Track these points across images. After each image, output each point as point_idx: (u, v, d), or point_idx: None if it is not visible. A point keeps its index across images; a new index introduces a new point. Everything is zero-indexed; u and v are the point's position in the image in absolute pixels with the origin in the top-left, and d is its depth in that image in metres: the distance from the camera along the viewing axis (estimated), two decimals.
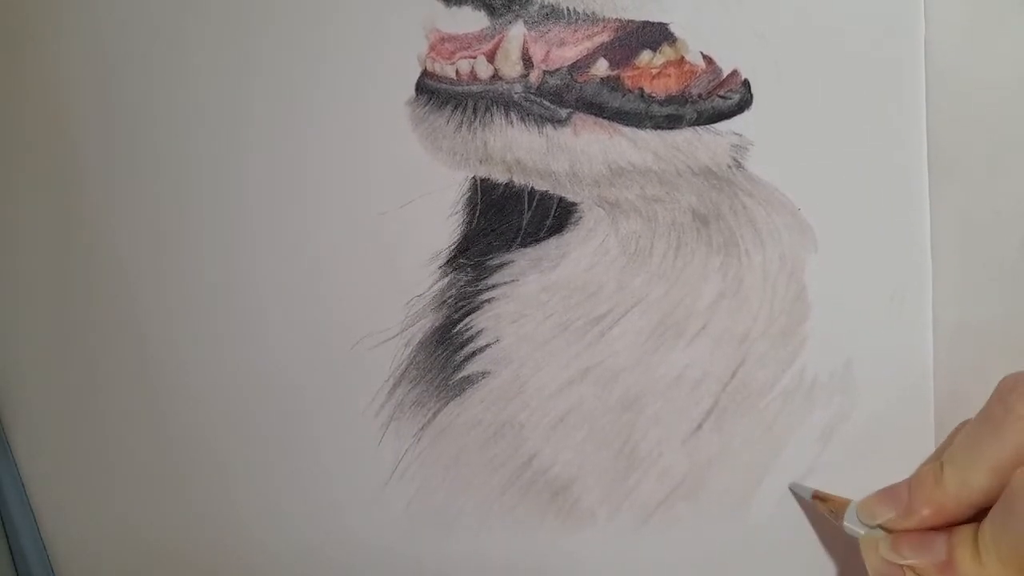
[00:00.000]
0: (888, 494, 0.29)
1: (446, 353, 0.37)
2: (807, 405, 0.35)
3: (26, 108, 0.38)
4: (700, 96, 0.34)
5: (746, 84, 0.33)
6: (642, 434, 0.36)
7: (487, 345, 0.36)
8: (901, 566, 0.27)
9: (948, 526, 0.27)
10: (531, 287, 0.36)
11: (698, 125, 0.34)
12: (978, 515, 0.25)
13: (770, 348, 0.35)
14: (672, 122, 0.34)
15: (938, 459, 0.28)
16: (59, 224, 0.39)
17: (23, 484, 0.42)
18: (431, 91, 0.35)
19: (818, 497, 0.33)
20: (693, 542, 0.36)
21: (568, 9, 0.33)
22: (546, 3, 0.34)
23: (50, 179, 0.38)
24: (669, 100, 0.34)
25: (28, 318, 0.40)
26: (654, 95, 0.34)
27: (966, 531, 0.26)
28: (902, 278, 0.34)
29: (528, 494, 0.37)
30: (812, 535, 0.35)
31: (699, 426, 0.35)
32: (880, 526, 0.28)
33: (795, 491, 0.35)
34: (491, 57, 0.34)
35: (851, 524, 0.30)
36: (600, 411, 0.36)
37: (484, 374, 0.37)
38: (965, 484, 0.26)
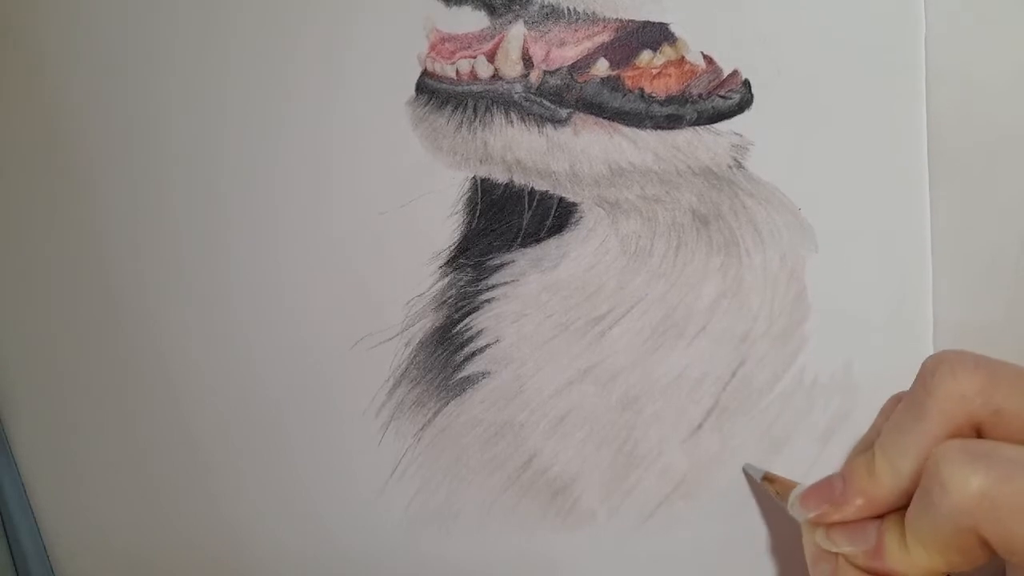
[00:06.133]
0: (822, 486, 0.29)
1: (446, 353, 0.37)
2: (807, 405, 0.35)
3: (20, 108, 0.38)
4: (700, 96, 0.34)
5: (746, 84, 0.33)
6: (642, 434, 0.36)
7: (487, 345, 0.36)
8: (835, 553, 0.27)
9: (883, 515, 0.27)
10: (531, 287, 0.36)
11: (698, 125, 0.34)
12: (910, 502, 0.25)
13: (770, 348, 0.35)
14: (672, 122, 0.34)
15: (870, 443, 0.28)
16: (60, 225, 0.39)
17: (23, 484, 0.42)
18: (431, 91, 0.35)
19: (768, 479, 0.33)
20: (693, 542, 0.37)
21: (568, 9, 0.33)
22: (546, 3, 0.34)
23: (50, 180, 0.38)
24: (669, 100, 0.34)
25: (28, 319, 0.40)
26: (654, 95, 0.34)
27: (895, 517, 0.26)
28: (902, 278, 0.34)
29: (528, 494, 0.37)
30: None
31: (699, 426, 0.35)
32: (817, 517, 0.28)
33: (747, 472, 0.35)
34: (491, 57, 0.34)
35: (794, 509, 0.30)
36: (600, 411, 0.36)
37: (484, 374, 0.37)
38: (895, 472, 0.26)
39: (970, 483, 0.21)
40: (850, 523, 0.27)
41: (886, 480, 0.26)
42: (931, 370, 0.25)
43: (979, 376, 0.24)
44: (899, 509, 0.26)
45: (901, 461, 0.25)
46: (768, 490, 0.34)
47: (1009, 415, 0.23)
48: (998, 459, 0.22)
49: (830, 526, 0.28)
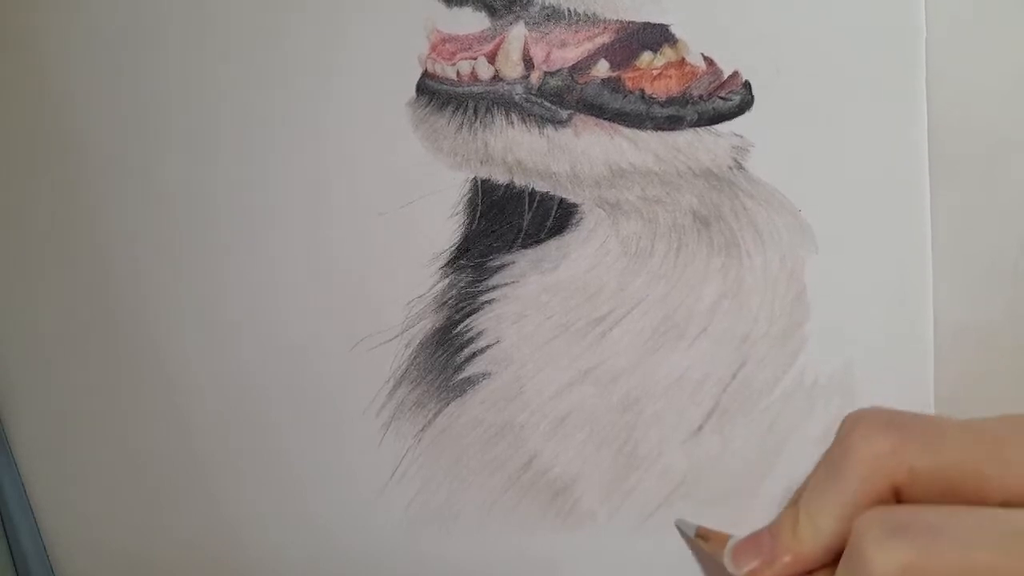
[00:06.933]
0: (751, 541, 0.30)
1: (447, 354, 0.37)
2: (807, 406, 0.35)
3: (27, 107, 0.38)
4: (701, 97, 0.34)
5: (747, 85, 0.33)
6: (642, 435, 0.36)
7: (488, 346, 0.36)
8: None
9: (813, 570, 0.27)
10: (532, 288, 0.36)
11: (699, 126, 0.34)
12: (839, 557, 0.26)
13: (770, 349, 0.35)
14: (673, 123, 0.34)
15: (799, 498, 0.28)
16: (61, 224, 0.39)
17: (23, 484, 0.42)
18: (432, 92, 0.35)
19: (701, 535, 0.34)
20: None
21: (569, 10, 0.33)
22: (547, 4, 0.33)
23: (53, 179, 0.38)
24: (670, 101, 0.34)
25: (29, 318, 0.40)
26: (655, 96, 0.34)
27: (826, 571, 0.26)
28: (902, 278, 0.34)
29: (528, 495, 0.37)
30: None
31: (699, 427, 0.36)
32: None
33: (680, 528, 0.35)
34: (492, 58, 0.34)
35: (728, 563, 0.31)
36: (601, 412, 0.36)
37: (485, 375, 0.37)
38: (817, 530, 0.26)
39: (892, 558, 0.21)
40: None
41: (809, 539, 0.26)
42: (847, 429, 0.26)
43: (891, 435, 0.24)
44: (829, 565, 0.26)
45: (822, 520, 0.26)
46: (702, 547, 0.34)
47: (922, 473, 0.23)
48: (918, 529, 0.22)
49: None
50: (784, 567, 0.27)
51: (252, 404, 0.39)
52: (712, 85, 0.34)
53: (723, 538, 0.32)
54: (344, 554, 0.40)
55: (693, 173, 0.34)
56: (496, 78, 0.34)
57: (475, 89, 0.35)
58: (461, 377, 0.37)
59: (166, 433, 0.40)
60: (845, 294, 0.34)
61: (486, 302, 0.36)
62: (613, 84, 0.34)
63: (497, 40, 0.34)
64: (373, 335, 0.37)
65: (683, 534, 0.35)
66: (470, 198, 0.36)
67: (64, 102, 0.38)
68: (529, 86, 0.34)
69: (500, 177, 0.35)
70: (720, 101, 0.34)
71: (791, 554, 0.27)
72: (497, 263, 0.36)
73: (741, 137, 0.34)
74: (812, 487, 0.27)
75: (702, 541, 0.34)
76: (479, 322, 0.36)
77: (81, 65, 0.37)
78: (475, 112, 0.35)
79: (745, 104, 0.33)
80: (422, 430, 0.37)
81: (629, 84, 0.34)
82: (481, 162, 0.35)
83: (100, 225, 0.38)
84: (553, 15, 0.34)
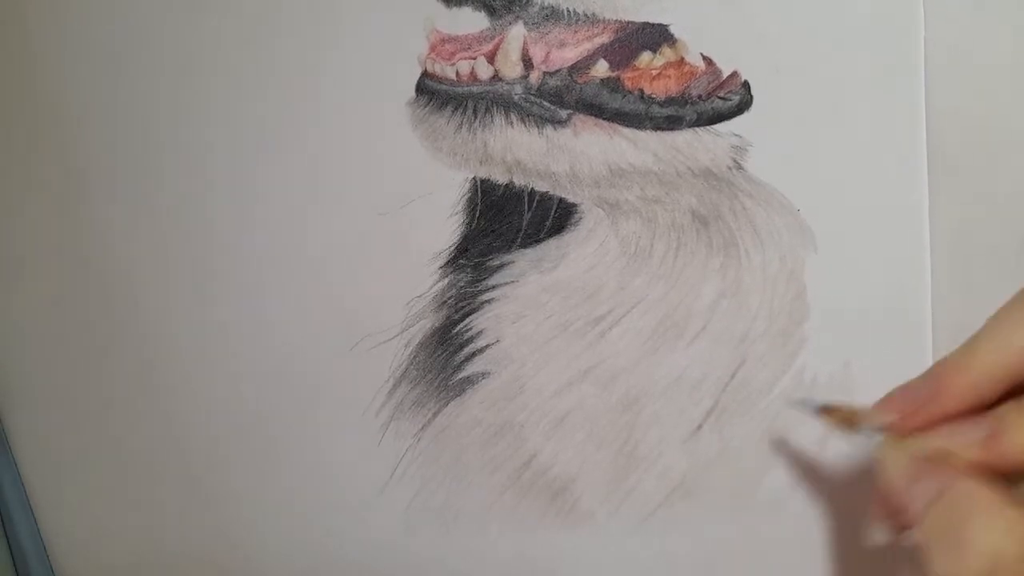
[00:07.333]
0: (905, 387, 0.24)
1: (446, 353, 0.37)
2: None
3: (29, 109, 0.38)
4: (700, 97, 0.34)
5: (746, 85, 0.33)
6: (642, 434, 0.36)
7: (487, 346, 0.36)
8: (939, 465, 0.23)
9: (972, 415, 0.23)
10: (531, 288, 0.36)
11: (698, 126, 0.34)
12: (1003, 399, 0.23)
13: (770, 349, 0.35)
14: (672, 123, 0.34)
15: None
16: (61, 223, 0.39)
17: (23, 484, 0.42)
18: (431, 92, 0.35)
19: (825, 411, 0.29)
20: (693, 542, 0.37)
21: (568, 10, 0.33)
22: (546, 4, 0.34)
23: (54, 179, 0.38)
24: (669, 101, 0.34)
25: (29, 318, 0.40)
26: (654, 96, 0.34)
27: (1012, 401, 0.22)
28: (901, 278, 0.34)
29: (528, 494, 0.37)
30: (812, 535, 0.35)
31: (699, 426, 0.36)
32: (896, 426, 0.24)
33: (802, 406, 0.31)
34: (491, 58, 0.34)
35: (872, 421, 0.26)
36: (600, 411, 0.36)
37: (484, 374, 0.37)
38: (1005, 346, 0.22)
39: None
40: (951, 419, 0.23)
41: (990, 358, 0.22)
42: None
43: None
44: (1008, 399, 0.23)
45: (1018, 333, 0.22)
46: (828, 422, 0.29)
47: None
48: None
49: (926, 430, 0.24)
50: (954, 398, 0.23)
51: (252, 403, 0.39)
52: (711, 85, 0.34)
53: (851, 411, 0.28)
54: (344, 554, 0.40)
55: (692, 173, 0.34)
56: (495, 78, 0.34)
57: (474, 89, 0.35)
58: (460, 376, 0.37)
59: (166, 433, 0.40)
60: (845, 294, 0.34)
61: (485, 302, 0.36)
62: (612, 84, 0.34)
63: (496, 40, 0.34)
64: (373, 334, 0.37)
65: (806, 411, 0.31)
66: (469, 198, 0.36)
67: (59, 105, 0.38)
68: (528, 86, 0.34)
69: (499, 177, 0.35)
70: (719, 101, 0.34)
71: (961, 382, 0.22)
72: (496, 263, 0.36)
73: (740, 137, 0.34)
74: (1006, 307, 0.23)
75: (827, 416, 0.29)
76: (478, 321, 0.36)
77: (76, 66, 0.37)
78: (474, 112, 0.35)
79: (744, 104, 0.33)
80: (422, 429, 0.37)
81: (628, 84, 0.34)
82: (480, 162, 0.35)
83: (100, 227, 0.39)
84: (552, 15, 0.34)
